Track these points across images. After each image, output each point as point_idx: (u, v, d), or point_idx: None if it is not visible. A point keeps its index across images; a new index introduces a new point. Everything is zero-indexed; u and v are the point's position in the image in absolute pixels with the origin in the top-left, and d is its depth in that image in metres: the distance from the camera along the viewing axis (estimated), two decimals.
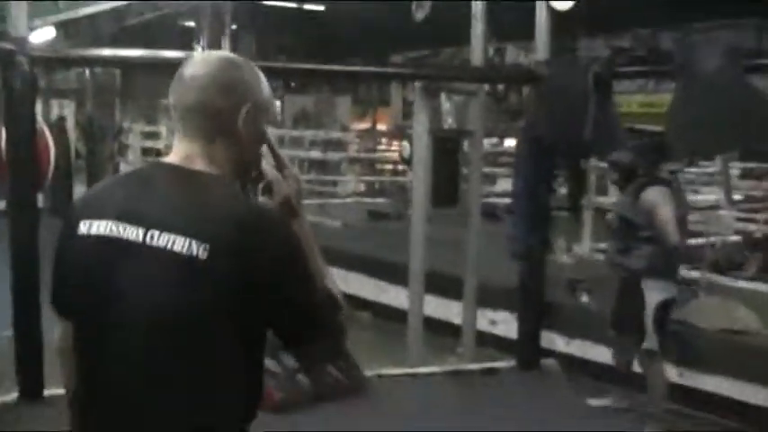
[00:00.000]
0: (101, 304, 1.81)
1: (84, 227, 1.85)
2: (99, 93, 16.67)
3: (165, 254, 1.73)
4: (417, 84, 6.63)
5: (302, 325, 1.84)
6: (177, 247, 1.73)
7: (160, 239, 1.74)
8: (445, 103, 6.81)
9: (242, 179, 1.91)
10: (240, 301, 1.74)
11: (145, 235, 1.76)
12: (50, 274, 1.97)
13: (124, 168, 17.04)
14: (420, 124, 6.54)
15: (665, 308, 5.26)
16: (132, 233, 1.78)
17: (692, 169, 9.41)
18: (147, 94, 18.37)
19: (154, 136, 17.93)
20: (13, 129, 5.60)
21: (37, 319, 5.70)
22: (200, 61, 1.91)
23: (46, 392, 5.75)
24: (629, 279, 5.34)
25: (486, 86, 7.59)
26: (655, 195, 5.21)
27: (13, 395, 5.68)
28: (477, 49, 6.83)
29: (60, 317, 1.99)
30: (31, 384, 5.70)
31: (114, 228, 1.80)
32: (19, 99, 5.53)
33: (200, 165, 1.85)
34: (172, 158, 1.89)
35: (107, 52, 5.82)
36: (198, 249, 1.71)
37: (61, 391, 5.49)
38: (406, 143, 7.40)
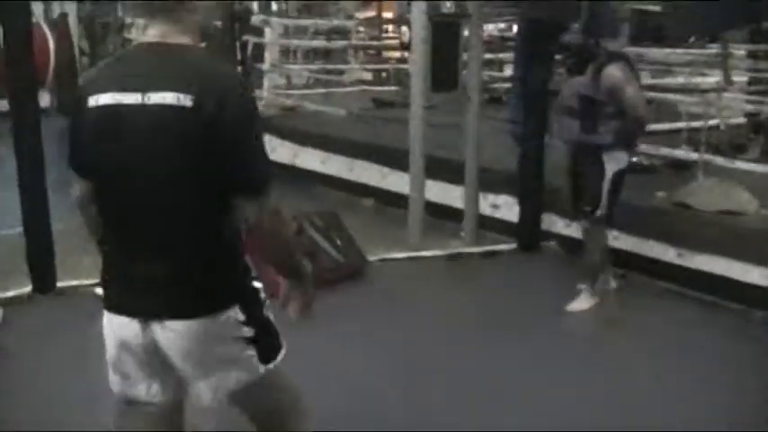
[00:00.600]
0: (116, 157, 2.31)
1: (92, 101, 2.30)
2: None
3: (160, 107, 2.21)
4: None
5: (249, 166, 2.30)
6: (169, 101, 2.20)
7: (155, 98, 2.22)
8: None
9: (202, 41, 2.44)
10: (213, 139, 2.21)
11: (142, 97, 2.23)
12: (68, 143, 2.43)
13: None
14: (418, 8, 6.51)
15: (620, 176, 5.50)
16: (132, 98, 2.25)
17: (696, 50, 9.33)
18: None
19: None
20: (8, 26, 5.57)
21: (46, 216, 5.83)
22: None
23: (58, 285, 5.92)
24: (593, 153, 5.47)
25: None
26: (617, 72, 5.34)
27: (26, 288, 5.83)
28: None
29: (79, 177, 2.46)
30: (43, 278, 5.86)
31: (118, 97, 2.27)
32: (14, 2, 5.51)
33: (173, 39, 2.31)
34: (149, 39, 2.34)
35: None
36: (185, 100, 2.19)
37: (73, 282, 5.71)
38: (406, 29, 7.37)
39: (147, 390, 2.52)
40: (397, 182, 8.05)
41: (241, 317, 2.41)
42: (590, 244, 5.71)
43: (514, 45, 7.52)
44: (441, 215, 7.39)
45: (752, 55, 10.10)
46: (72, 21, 15.66)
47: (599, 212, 5.52)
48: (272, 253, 2.48)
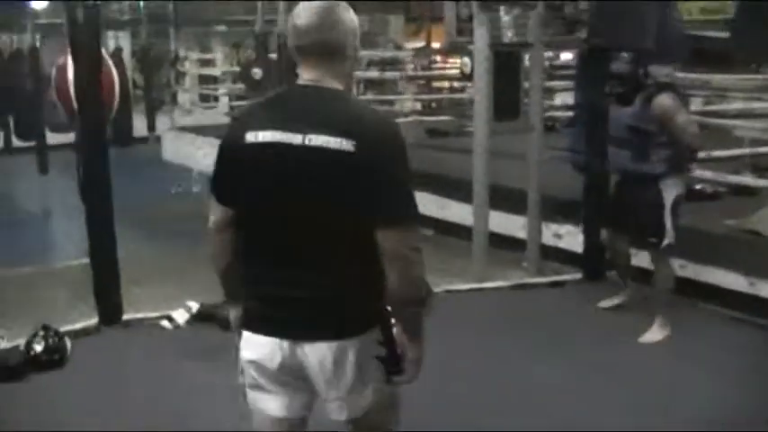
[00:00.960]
0: (275, 189, 2.52)
1: (251, 136, 2.50)
2: (153, 22, 16.76)
3: (322, 149, 2.42)
4: None
5: (398, 204, 2.46)
6: (332, 145, 2.41)
7: (317, 140, 2.42)
8: (504, 17, 6.75)
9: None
10: (371, 176, 2.42)
11: (303, 138, 2.43)
12: (216, 173, 2.62)
13: (182, 97, 17.23)
14: (480, 39, 6.51)
15: (679, 204, 5.53)
16: (293, 138, 2.45)
17: (758, 75, 9.21)
18: (200, 21, 18.36)
19: (209, 63, 18.03)
20: (79, 62, 5.69)
21: (113, 247, 5.89)
22: (312, 8, 2.53)
23: (124, 317, 5.96)
24: (649, 183, 5.48)
25: None
26: (667, 101, 5.38)
27: (93, 320, 5.88)
28: None
29: (221, 204, 2.64)
30: (109, 310, 5.91)
31: (278, 135, 2.47)
32: (84, 32, 5.61)
33: (327, 83, 2.54)
34: (305, 81, 2.55)
35: None
36: (347, 145, 2.40)
37: (139, 314, 5.76)
38: (467, 59, 7.34)
39: (288, 406, 2.68)
40: (456, 212, 8.02)
41: (380, 337, 2.57)
42: (660, 273, 5.65)
43: (575, 73, 7.48)
44: (502, 245, 7.34)
45: None
46: (126, 54, 15.98)
47: (666, 242, 5.49)
48: (407, 294, 2.53)
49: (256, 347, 2.63)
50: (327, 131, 2.42)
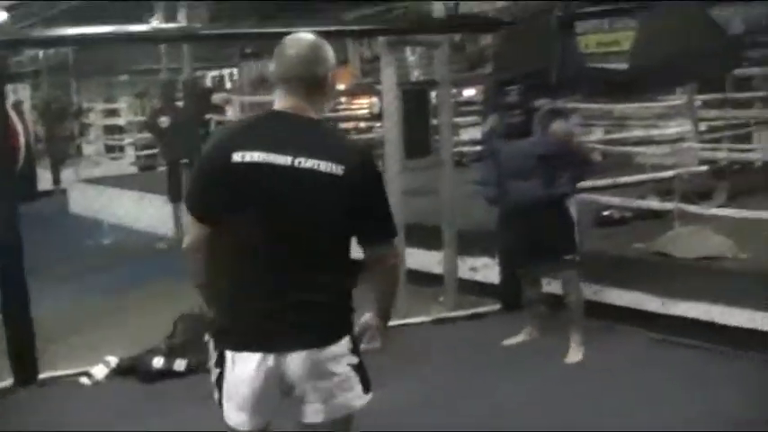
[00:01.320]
0: (262, 207, 2.67)
1: (237, 156, 2.64)
2: (54, 73, 16.50)
3: (314, 172, 2.63)
4: (381, 38, 6.66)
5: (386, 221, 2.77)
6: (322, 167, 2.63)
7: (307, 163, 2.63)
8: (410, 57, 6.87)
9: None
10: (356, 201, 2.67)
11: (293, 161, 2.63)
12: (197, 192, 2.75)
13: (87, 149, 16.99)
14: (388, 78, 6.59)
15: (580, 218, 5.93)
16: (282, 160, 2.63)
17: (656, 104, 9.54)
18: (102, 71, 18.15)
19: (114, 113, 17.83)
20: None
21: (25, 304, 5.75)
22: (301, 43, 2.75)
23: (40, 376, 5.81)
24: (556, 205, 5.74)
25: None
26: (564, 125, 5.82)
27: (7, 381, 5.71)
28: (438, 2, 6.89)
29: (200, 223, 2.74)
30: (24, 369, 5.75)
31: (266, 156, 2.63)
32: None
33: (305, 112, 2.72)
34: (284, 108, 2.73)
35: (72, 31, 5.73)
36: (337, 169, 2.63)
37: (56, 373, 5.61)
38: (375, 99, 7.44)
39: (263, 424, 2.83)
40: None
41: (351, 345, 2.78)
42: (574, 292, 5.88)
43: (482, 107, 7.63)
44: (420, 281, 7.40)
45: (705, 104, 10.34)
46: (26, 107, 15.67)
47: (578, 257, 5.77)
48: (386, 292, 2.92)
49: (240, 365, 2.72)
50: (316, 155, 2.63)
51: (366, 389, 2.81)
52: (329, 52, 2.77)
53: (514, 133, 5.82)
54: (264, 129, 2.75)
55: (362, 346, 2.86)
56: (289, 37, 2.78)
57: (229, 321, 2.78)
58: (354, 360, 2.78)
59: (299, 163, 2.63)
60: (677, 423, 4.65)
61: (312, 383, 2.73)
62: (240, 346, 2.73)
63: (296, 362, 2.70)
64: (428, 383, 5.43)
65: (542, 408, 4.95)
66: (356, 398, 2.80)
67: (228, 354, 2.75)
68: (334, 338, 2.74)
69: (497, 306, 6.93)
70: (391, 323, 6.29)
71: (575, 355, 5.73)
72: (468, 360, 5.88)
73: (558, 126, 5.69)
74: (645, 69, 5.72)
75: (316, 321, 2.72)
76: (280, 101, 2.73)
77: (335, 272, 2.74)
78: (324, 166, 2.63)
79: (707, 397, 4.97)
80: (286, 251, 2.68)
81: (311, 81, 2.72)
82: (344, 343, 2.76)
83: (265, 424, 2.84)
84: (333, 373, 2.73)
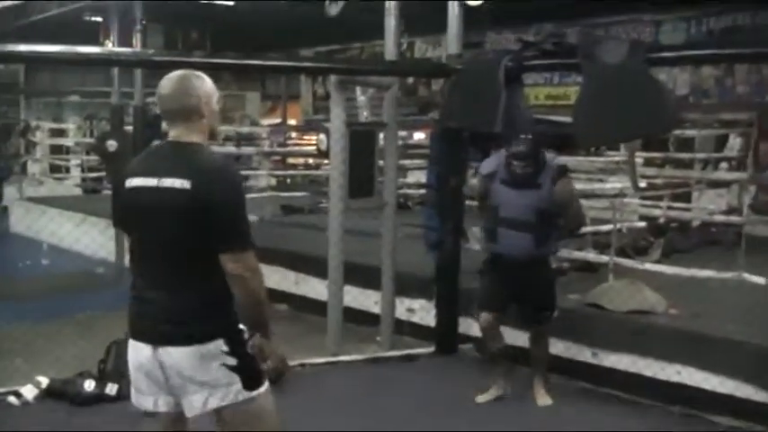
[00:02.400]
0: (139, 222, 3.21)
1: (128, 183, 3.21)
2: (3, 90, 16.38)
3: (170, 189, 3.06)
4: (333, 77, 6.75)
5: (231, 231, 3.05)
6: (176, 184, 3.05)
7: (166, 182, 3.07)
8: (360, 97, 6.95)
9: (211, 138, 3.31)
10: (204, 213, 3.01)
11: (158, 182, 3.08)
12: (113, 210, 3.58)
13: (32, 167, 16.80)
14: (337, 117, 6.66)
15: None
16: (151, 182, 3.11)
17: (599, 158, 9.74)
18: (52, 91, 18.05)
19: (62, 133, 17.68)
20: None
21: None
22: (171, 80, 3.18)
23: None
24: (543, 262, 5.77)
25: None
26: (571, 184, 5.74)
27: None
28: (390, 44, 6.99)
29: (125, 232, 3.52)
30: None
31: (141, 181, 3.15)
32: None
33: (186, 138, 3.16)
34: (170, 138, 3.19)
35: (24, 48, 5.71)
36: (186, 184, 3.03)
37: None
38: (323, 136, 7.48)
39: (154, 402, 3.26)
40: (312, 287, 8.11)
41: (225, 348, 3.12)
42: (543, 347, 5.97)
43: (429, 152, 7.72)
44: (357, 320, 7.44)
45: (647, 162, 10.57)
46: None
47: (556, 313, 5.82)
48: (249, 304, 3.14)
49: (132, 351, 3.24)
50: (174, 175, 3.06)
51: (248, 386, 3.16)
52: (197, 82, 3.19)
53: (525, 183, 5.60)
54: (149, 157, 3.29)
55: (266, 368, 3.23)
56: (164, 78, 3.20)
57: (129, 312, 3.26)
58: (231, 361, 3.12)
59: (162, 183, 3.07)
60: None
61: (182, 378, 3.11)
62: (131, 335, 3.25)
63: (165, 355, 3.11)
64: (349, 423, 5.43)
65: None
66: (233, 393, 3.14)
67: (129, 341, 3.26)
68: (200, 338, 3.09)
69: (432, 348, 6.99)
70: (323, 360, 6.46)
71: (546, 398, 5.88)
72: (396, 400, 5.90)
73: (564, 183, 5.60)
74: (588, 124, 5.86)
75: (182, 321, 3.11)
76: (168, 132, 3.20)
77: (201, 278, 3.11)
78: (178, 183, 3.04)
79: None
80: (156, 258, 3.17)
81: (184, 111, 3.14)
82: (216, 344, 3.11)
83: (161, 406, 3.25)
84: (203, 370, 3.10)
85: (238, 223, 3.08)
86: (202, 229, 3.03)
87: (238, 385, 3.14)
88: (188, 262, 3.11)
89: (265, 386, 3.23)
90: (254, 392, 3.18)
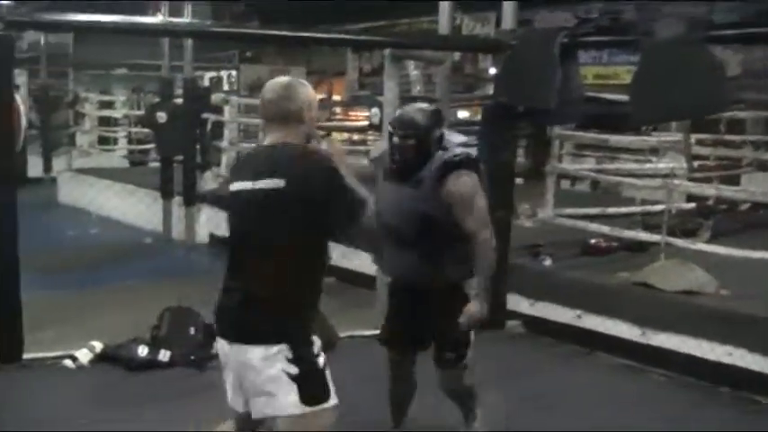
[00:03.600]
0: (236, 221, 3.28)
1: (232, 186, 3.24)
2: (53, 62, 16.53)
3: (263, 189, 3.09)
4: (387, 51, 6.74)
5: (346, 213, 3.07)
6: (270, 185, 3.08)
7: (259, 184, 3.10)
8: (413, 72, 6.95)
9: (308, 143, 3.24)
10: (305, 205, 3.04)
11: (252, 184, 3.11)
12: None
13: (80, 139, 16.99)
14: (390, 91, 6.67)
15: None
16: (247, 185, 3.14)
17: (651, 137, 9.66)
18: (100, 63, 18.20)
19: (110, 105, 17.85)
20: None
21: (16, 287, 5.79)
22: (276, 85, 3.22)
23: (25, 356, 5.85)
24: (448, 289, 4.15)
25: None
26: (469, 183, 4.01)
27: None
28: (444, 19, 6.99)
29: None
30: (9, 349, 5.78)
31: (239, 185, 3.18)
32: None
33: (284, 140, 3.16)
34: (268, 142, 3.22)
35: (84, 17, 5.78)
36: (279, 183, 3.04)
37: (40, 354, 5.65)
38: (376, 110, 7.50)
39: (232, 398, 3.26)
40: (359, 261, 8.14)
41: (289, 354, 3.04)
42: (459, 395, 4.53)
43: (479, 129, 7.71)
44: None
45: (698, 142, 10.46)
46: (22, 93, 15.67)
47: (468, 356, 4.29)
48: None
49: (218, 346, 3.27)
50: (267, 176, 3.08)
51: (306, 401, 3.04)
52: (304, 89, 3.22)
53: (401, 176, 4.08)
54: (246, 162, 3.37)
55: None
56: (267, 83, 3.26)
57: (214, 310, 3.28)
58: (292, 369, 3.03)
59: (256, 185, 3.10)
60: None
61: (248, 377, 3.10)
62: (217, 332, 3.27)
63: (238, 352, 3.11)
64: None
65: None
66: (289, 406, 3.04)
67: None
68: (267, 339, 3.05)
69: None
70: (371, 332, 6.45)
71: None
72: None
73: (454, 181, 3.94)
74: (644, 101, 5.82)
75: (254, 319, 3.10)
76: (266, 135, 3.27)
77: (283, 279, 3.09)
78: (271, 183, 3.06)
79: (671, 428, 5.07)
80: (243, 256, 3.19)
81: (286, 116, 3.16)
82: (280, 348, 3.04)
83: (236, 404, 3.24)
84: (264, 374, 3.05)
85: (346, 199, 3.05)
86: (300, 226, 3.06)
87: (296, 397, 3.02)
88: (274, 262, 3.08)
89: (330, 404, 3.09)
90: (312, 408, 3.04)
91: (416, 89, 6.90)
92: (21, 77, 16.53)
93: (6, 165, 5.75)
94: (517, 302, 7.01)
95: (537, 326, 6.88)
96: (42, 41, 15.98)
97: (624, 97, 6.32)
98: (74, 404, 5.23)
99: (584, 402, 5.46)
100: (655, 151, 10.17)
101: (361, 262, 7.96)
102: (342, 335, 6.37)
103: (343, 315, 6.84)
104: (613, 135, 8.67)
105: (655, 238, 7.32)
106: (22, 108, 7.38)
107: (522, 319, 6.98)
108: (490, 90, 7.38)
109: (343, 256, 8.48)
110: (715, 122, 10.40)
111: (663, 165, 9.03)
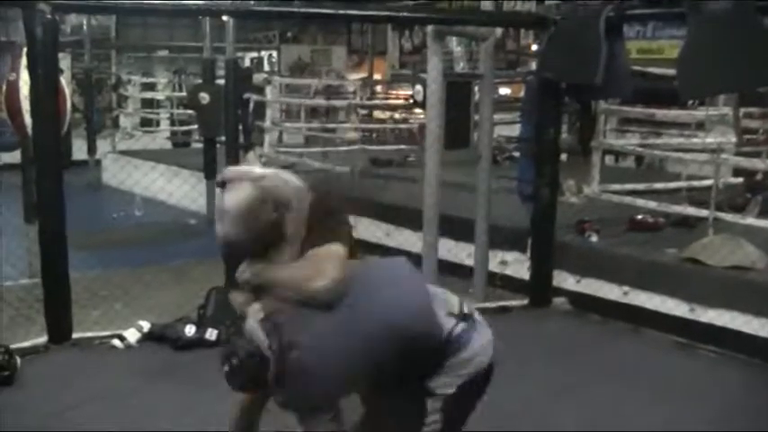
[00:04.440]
0: None
1: None
2: (96, 45, 16.66)
3: None
4: (430, 28, 6.68)
5: None
6: None
7: None
8: (456, 48, 6.89)
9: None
10: None
11: None
12: None
13: (124, 121, 17.14)
14: (434, 68, 6.60)
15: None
16: None
17: (698, 112, 9.51)
18: (142, 46, 18.34)
19: (152, 87, 17.97)
20: (37, 79, 5.62)
21: (65, 266, 5.85)
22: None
23: (74, 336, 5.92)
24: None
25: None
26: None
27: (42, 339, 5.82)
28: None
29: None
30: (59, 328, 5.85)
31: None
32: (42, 48, 5.57)
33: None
34: None
35: (127, 1, 5.82)
36: None
37: (89, 334, 5.72)
38: (419, 87, 7.44)
39: None
40: (403, 238, 8.13)
41: None
42: None
43: (522, 105, 7.67)
44: (447, 272, 7.44)
45: (746, 116, 10.28)
46: (67, 77, 15.82)
47: None
48: None
49: None
50: None
51: None
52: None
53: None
54: None
55: None
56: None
57: None
58: None
59: None
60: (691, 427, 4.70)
61: None
62: None
63: None
64: None
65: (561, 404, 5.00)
66: None
67: None
68: None
69: (525, 301, 6.97)
70: None
71: None
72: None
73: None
74: (692, 74, 5.71)
75: None
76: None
77: None
78: None
79: (724, 405, 5.04)
80: None
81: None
82: None
83: None
84: None
85: None
86: None
87: None
88: None
89: None
90: None
91: (459, 66, 6.84)
92: (65, 61, 16.69)
93: (53, 147, 5.78)
94: (563, 279, 6.97)
95: (583, 303, 6.83)
96: (85, 25, 16.08)
97: (671, 71, 6.23)
98: (124, 382, 5.29)
99: (633, 379, 5.42)
100: (701, 126, 10.00)
101: (406, 240, 7.98)
102: None
103: None
104: (660, 110, 8.57)
105: (703, 213, 7.22)
106: (67, 91, 7.38)
107: (568, 296, 6.94)
108: (533, 66, 7.30)
109: (387, 234, 8.51)
110: (761, 96, 10.21)
111: (710, 139, 8.88)
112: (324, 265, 2.81)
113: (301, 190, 2.96)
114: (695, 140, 9.63)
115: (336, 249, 2.85)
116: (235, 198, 2.84)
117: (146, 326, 6.02)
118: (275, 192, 2.88)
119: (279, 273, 2.87)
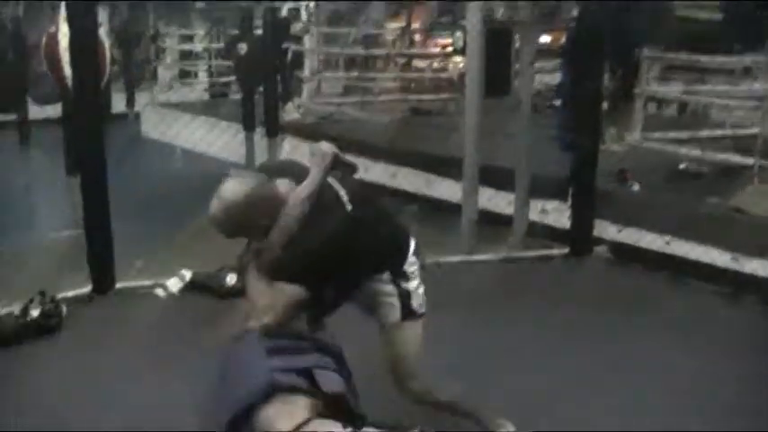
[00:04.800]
0: None
1: None
2: None
3: None
4: None
5: None
6: None
7: None
8: None
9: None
10: None
11: None
12: None
13: (162, 73, 17.14)
14: (473, 15, 6.53)
15: None
16: None
17: (744, 58, 9.33)
18: None
19: (190, 39, 17.94)
20: (76, 34, 5.64)
21: (107, 218, 5.90)
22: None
23: (117, 286, 5.98)
24: None
25: None
26: None
27: (86, 288, 5.89)
28: None
29: None
30: (103, 278, 5.93)
31: None
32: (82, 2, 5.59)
33: None
34: None
35: None
36: None
37: (132, 283, 5.76)
38: (459, 34, 7.38)
39: None
40: (442, 189, 8.10)
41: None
42: None
43: (563, 52, 7.56)
44: (487, 221, 7.41)
45: None
46: (105, 30, 15.85)
47: None
48: None
49: None
50: None
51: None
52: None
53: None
54: None
55: None
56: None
57: None
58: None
59: None
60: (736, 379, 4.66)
61: None
62: None
63: None
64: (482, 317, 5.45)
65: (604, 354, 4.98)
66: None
67: None
68: None
69: (566, 250, 6.93)
70: (458, 258, 6.45)
71: None
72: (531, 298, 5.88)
73: None
74: (738, 18, 5.61)
75: None
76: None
77: None
78: None
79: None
80: None
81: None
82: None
83: None
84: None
85: None
86: None
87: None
88: None
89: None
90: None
91: (500, 12, 6.72)
92: (102, 14, 16.71)
93: (93, 100, 5.80)
94: (604, 228, 6.91)
95: (624, 252, 6.77)
96: None
97: (717, 15, 6.12)
98: (169, 329, 5.33)
99: (676, 329, 5.37)
100: (747, 72, 9.81)
101: (446, 190, 7.95)
102: (429, 261, 6.34)
103: (429, 242, 6.81)
104: (704, 56, 8.40)
105: (748, 161, 7.11)
106: (106, 44, 7.41)
107: (609, 245, 6.87)
108: (574, 13, 7.18)
109: (426, 183, 8.48)
110: None
111: (757, 86, 8.72)
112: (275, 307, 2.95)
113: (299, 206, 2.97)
114: (741, 87, 9.44)
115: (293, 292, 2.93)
116: (231, 189, 2.95)
117: (187, 275, 6.06)
118: (271, 199, 2.97)
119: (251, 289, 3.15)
